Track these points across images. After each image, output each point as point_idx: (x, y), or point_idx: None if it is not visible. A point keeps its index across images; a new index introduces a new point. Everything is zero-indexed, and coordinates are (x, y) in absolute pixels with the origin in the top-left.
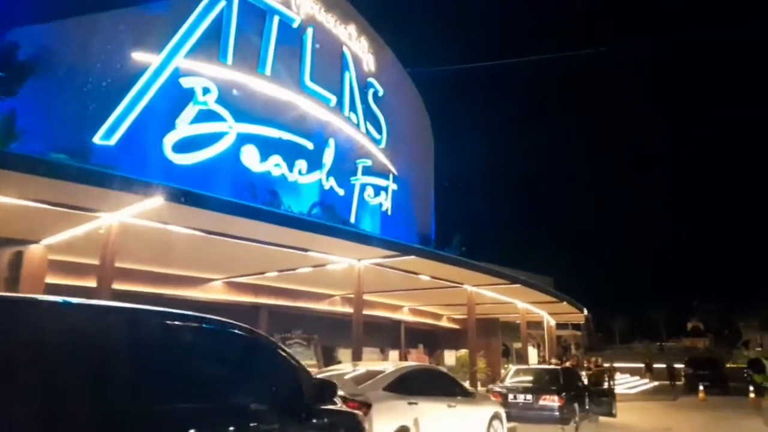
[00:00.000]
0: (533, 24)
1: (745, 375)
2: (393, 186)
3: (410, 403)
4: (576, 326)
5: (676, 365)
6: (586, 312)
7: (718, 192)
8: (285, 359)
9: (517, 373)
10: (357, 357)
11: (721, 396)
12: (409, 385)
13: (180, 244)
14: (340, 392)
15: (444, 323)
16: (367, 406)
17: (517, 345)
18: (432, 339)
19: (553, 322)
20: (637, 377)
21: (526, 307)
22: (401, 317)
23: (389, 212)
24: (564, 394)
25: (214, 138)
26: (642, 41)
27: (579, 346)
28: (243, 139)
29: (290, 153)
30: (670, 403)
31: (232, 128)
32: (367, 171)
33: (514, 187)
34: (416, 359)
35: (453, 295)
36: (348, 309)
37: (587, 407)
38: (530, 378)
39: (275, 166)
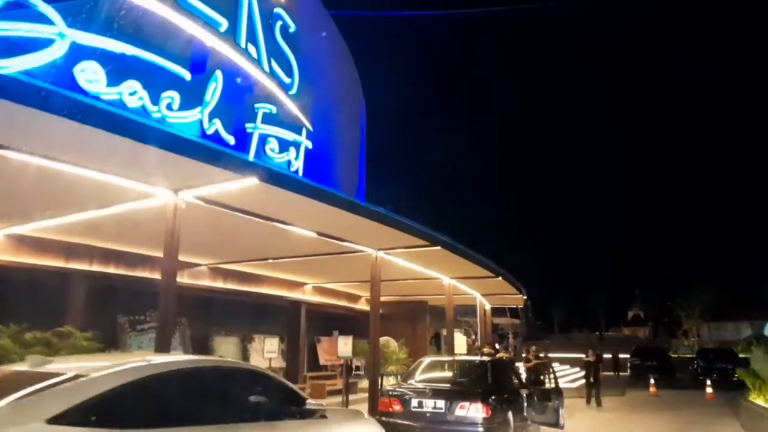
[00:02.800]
0: None
1: (696, 367)
2: (307, 143)
3: None
4: (514, 313)
5: (621, 355)
6: (525, 295)
7: (659, 180)
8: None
9: (430, 367)
10: (164, 346)
11: (672, 390)
12: (140, 408)
13: None
14: None
15: (363, 306)
16: None
17: (458, 332)
18: (349, 325)
19: (488, 306)
20: (578, 368)
21: (453, 285)
22: (302, 297)
23: (300, 173)
24: (493, 398)
25: (36, 45)
26: None
27: (517, 334)
28: (81, 53)
29: (156, 81)
30: (620, 400)
31: (64, 36)
32: (270, 120)
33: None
34: (328, 349)
35: (359, 266)
36: (227, 284)
37: (526, 415)
38: (447, 375)
39: (130, 94)
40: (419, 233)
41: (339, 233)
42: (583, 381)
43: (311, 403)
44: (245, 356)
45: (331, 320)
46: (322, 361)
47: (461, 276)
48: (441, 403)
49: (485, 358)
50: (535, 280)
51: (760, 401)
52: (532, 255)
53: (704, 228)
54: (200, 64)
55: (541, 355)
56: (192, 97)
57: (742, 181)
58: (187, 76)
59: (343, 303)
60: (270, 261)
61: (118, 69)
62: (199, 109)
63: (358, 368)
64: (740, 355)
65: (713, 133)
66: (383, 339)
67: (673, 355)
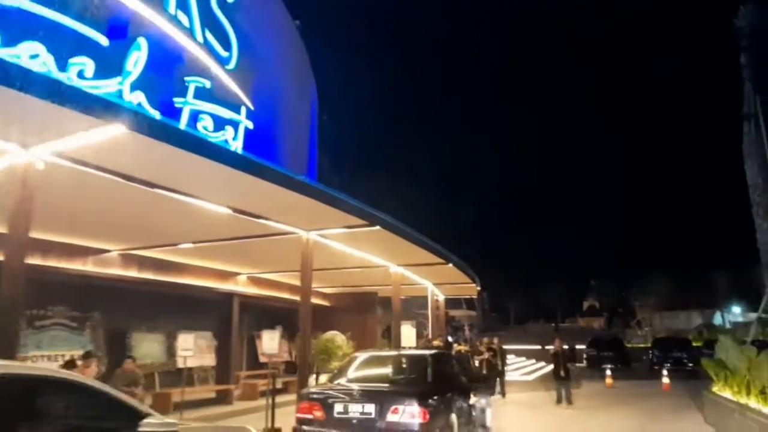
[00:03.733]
0: None
1: (651, 357)
2: (247, 123)
3: None
4: (471, 305)
5: (578, 346)
6: (478, 285)
7: (615, 173)
8: None
9: (364, 363)
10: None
11: (628, 380)
12: None
13: None
14: None
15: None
16: None
17: (407, 324)
18: (292, 319)
19: (441, 297)
20: (533, 360)
21: (400, 273)
22: (235, 288)
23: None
24: (433, 399)
25: None
26: None
27: (473, 326)
28: None
29: (65, 45)
30: (576, 394)
31: None
32: (204, 95)
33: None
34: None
35: (292, 251)
36: (144, 273)
37: (474, 416)
38: (382, 373)
39: (31, 57)
40: (355, 211)
41: (259, 210)
42: (540, 374)
43: (152, 422)
44: (171, 354)
45: (273, 314)
46: (262, 359)
47: (408, 263)
48: (370, 407)
49: (426, 351)
50: (492, 272)
51: (726, 393)
52: (488, 247)
53: (657, 219)
54: (120, 28)
55: (494, 346)
56: (110, 66)
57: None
58: (103, 41)
59: (285, 295)
60: (186, 246)
61: (16, 28)
62: (118, 79)
63: None
64: (694, 344)
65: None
66: (330, 333)
67: (627, 345)
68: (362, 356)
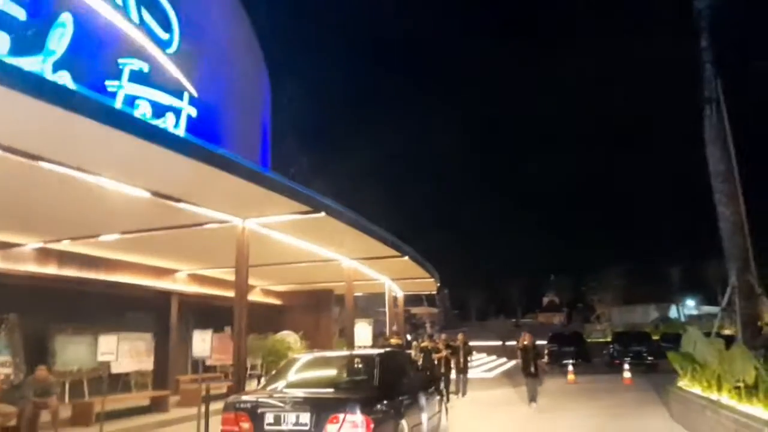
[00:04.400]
0: None
1: (611, 351)
2: (190, 110)
3: None
4: (432, 302)
5: (539, 342)
6: (437, 281)
7: (572, 170)
8: None
9: (304, 366)
10: None
11: (589, 376)
12: None
13: None
14: None
15: (259, 297)
16: None
17: (362, 322)
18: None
19: (400, 294)
20: (494, 356)
21: (354, 267)
22: (173, 287)
23: None
24: (379, 406)
25: None
26: None
27: (434, 323)
28: None
29: None
30: (539, 390)
31: None
32: (140, 79)
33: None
34: (218, 347)
35: (230, 244)
36: (64, 270)
37: (429, 421)
38: (323, 376)
39: None
40: (293, 194)
41: (184, 194)
42: (502, 370)
43: None
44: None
45: (219, 315)
46: (210, 362)
47: (362, 256)
48: (305, 417)
49: (375, 351)
50: (454, 269)
51: (695, 388)
52: (449, 244)
53: (614, 215)
54: (42, 3)
55: (453, 343)
56: (30, 43)
57: (652, 171)
58: (21, 15)
59: (232, 294)
60: (109, 238)
61: None
62: (40, 58)
63: (254, 368)
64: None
65: (616, 121)
66: (283, 333)
67: (588, 340)
68: (304, 358)
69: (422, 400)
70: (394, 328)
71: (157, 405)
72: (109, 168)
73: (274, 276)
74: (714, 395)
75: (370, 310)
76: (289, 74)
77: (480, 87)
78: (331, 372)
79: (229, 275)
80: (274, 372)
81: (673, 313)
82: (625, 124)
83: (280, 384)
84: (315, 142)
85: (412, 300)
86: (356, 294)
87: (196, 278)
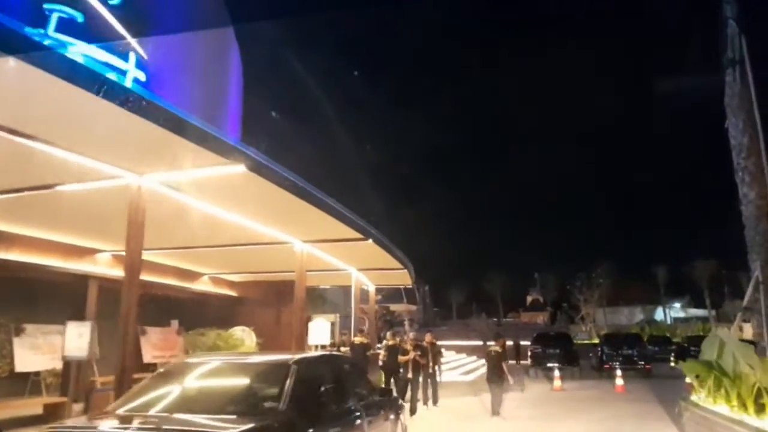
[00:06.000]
0: None
1: (600, 354)
2: (137, 73)
3: None
4: (412, 300)
5: (522, 342)
6: (411, 273)
7: (560, 168)
8: None
9: (190, 376)
10: None
11: (577, 381)
12: None
13: None
14: None
15: (208, 287)
16: None
17: (320, 318)
18: (192, 311)
19: (371, 287)
20: (474, 357)
21: (308, 251)
22: (93, 270)
23: None
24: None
25: None
26: None
27: (413, 321)
28: None
29: None
30: (519, 399)
31: None
32: (74, 31)
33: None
34: (158, 343)
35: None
36: None
37: None
38: (210, 392)
39: None
40: (203, 137)
41: (37, 128)
42: (481, 373)
43: None
44: (9, 354)
45: (162, 305)
46: (148, 359)
47: (317, 238)
48: None
49: (290, 356)
50: (435, 266)
51: (720, 406)
52: (431, 240)
53: (601, 214)
54: None
55: (423, 343)
56: None
57: (639, 173)
58: None
59: (172, 281)
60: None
61: None
62: None
63: None
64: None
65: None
66: (234, 328)
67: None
68: (189, 365)
69: (364, 426)
70: (365, 326)
71: (52, 413)
72: None
73: (217, 261)
74: (754, 419)
75: (342, 305)
76: (267, 50)
77: (465, 84)
78: (223, 387)
79: (167, 258)
80: (141, 384)
81: (659, 315)
82: (611, 124)
83: (138, 403)
84: (292, 126)
85: (391, 296)
86: (323, 287)
87: (121, 260)
